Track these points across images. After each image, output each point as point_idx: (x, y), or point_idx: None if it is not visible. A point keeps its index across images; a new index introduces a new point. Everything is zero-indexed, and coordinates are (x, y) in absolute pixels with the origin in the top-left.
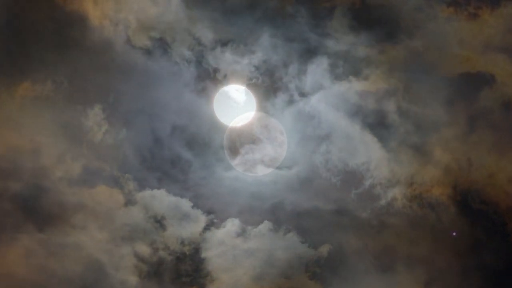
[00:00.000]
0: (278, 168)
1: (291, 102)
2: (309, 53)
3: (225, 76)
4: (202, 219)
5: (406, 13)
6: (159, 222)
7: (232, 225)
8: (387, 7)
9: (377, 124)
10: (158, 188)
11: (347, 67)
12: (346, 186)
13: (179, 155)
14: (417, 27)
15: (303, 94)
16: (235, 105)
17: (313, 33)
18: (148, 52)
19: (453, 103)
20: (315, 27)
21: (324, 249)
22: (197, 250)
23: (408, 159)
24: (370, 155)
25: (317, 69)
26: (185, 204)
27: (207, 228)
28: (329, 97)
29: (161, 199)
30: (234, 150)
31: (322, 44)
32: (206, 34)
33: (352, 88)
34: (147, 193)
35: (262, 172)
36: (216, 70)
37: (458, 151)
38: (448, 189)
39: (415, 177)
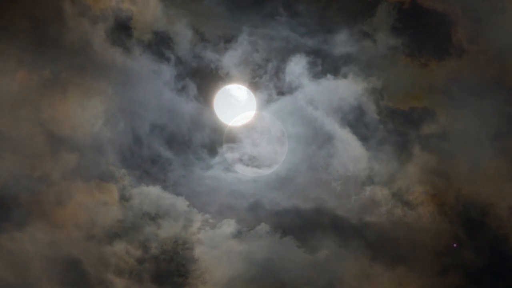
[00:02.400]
0: (258, 166)
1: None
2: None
3: (226, 74)
4: (199, 218)
5: (466, 7)
6: (152, 219)
7: (228, 226)
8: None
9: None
10: (154, 185)
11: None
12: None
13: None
14: (476, 21)
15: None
16: (236, 103)
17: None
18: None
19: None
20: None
21: (321, 255)
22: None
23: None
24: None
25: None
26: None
27: (201, 228)
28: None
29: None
30: (233, 149)
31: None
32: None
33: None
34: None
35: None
36: (218, 68)
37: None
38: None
39: None
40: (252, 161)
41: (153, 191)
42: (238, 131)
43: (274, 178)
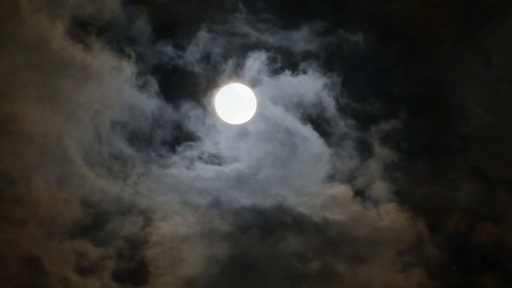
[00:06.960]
0: (219, 164)
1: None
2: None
3: (188, 71)
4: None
5: None
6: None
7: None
8: None
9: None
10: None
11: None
12: None
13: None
14: None
15: None
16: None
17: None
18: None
19: None
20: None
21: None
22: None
23: None
24: None
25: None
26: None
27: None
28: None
29: None
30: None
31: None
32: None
33: None
34: None
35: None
36: (178, 64)
37: None
38: None
39: None
40: (212, 159)
41: (114, 188)
42: (199, 129)
43: (234, 176)
